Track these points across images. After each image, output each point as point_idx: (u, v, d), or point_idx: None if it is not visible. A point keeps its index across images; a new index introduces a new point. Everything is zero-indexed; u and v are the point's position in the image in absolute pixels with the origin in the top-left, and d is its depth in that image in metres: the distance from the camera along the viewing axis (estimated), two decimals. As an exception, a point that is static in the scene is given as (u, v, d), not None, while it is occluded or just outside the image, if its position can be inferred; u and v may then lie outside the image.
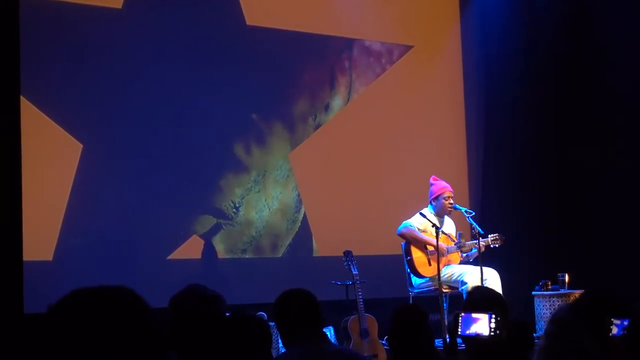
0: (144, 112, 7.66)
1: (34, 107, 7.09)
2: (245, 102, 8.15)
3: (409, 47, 9.10)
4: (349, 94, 8.77)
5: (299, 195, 8.42)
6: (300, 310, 3.46)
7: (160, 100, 7.71)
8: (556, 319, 2.94)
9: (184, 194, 7.81)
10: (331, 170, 8.60)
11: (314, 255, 8.34)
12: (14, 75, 6.20)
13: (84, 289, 1.51)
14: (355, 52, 8.79)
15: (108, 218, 7.41)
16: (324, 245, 8.30)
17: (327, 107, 8.64)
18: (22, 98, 6.70)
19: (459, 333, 2.84)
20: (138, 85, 7.63)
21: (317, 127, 8.57)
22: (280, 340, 7.10)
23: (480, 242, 7.25)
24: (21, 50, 6.32)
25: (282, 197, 8.34)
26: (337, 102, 8.70)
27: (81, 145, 7.34)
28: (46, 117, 7.19)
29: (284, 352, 3.44)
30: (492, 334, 2.74)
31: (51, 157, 7.22)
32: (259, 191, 8.22)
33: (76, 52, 7.34)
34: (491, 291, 3.67)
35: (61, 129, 7.25)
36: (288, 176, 8.39)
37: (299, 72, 8.47)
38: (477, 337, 2.78)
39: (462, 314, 2.83)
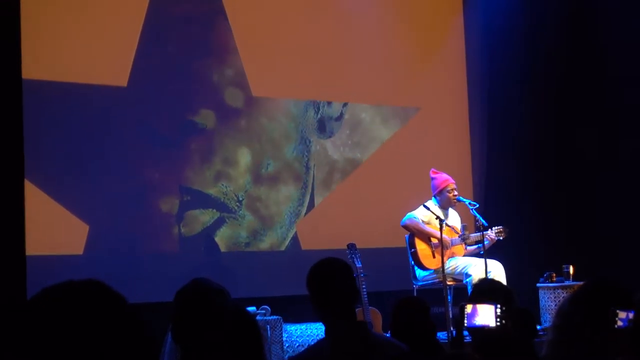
0: (148, 186, 7.69)
1: (38, 190, 7.07)
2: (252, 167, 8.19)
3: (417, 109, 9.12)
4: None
5: (302, 187, 8.44)
6: (333, 286, 3.27)
7: (166, 174, 7.78)
8: (562, 312, 2.94)
9: (188, 190, 7.84)
10: (335, 162, 8.63)
11: (317, 248, 8.33)
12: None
13: (53, 289, 1.47)
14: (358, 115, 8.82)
15: (119, 223, 7.47)
16: (327, 238, 8.29)
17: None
18: (26, 181, 6.70)
19: (465, 325, 2.84)
20: (145, 164, 7.66)
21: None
22: (283, 335, 7.15)
23: (490, 236, 7.25)
24: (25, 132, 6.30)
25: (285, 191, 8.35)
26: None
27: (87, 227, 7.33)
28: (51, 199, 7.16)
29: (319, 340, 3.37)
30: (498, 324, 2.75)
31: (57, 239, 7.18)
32: (262, 185, 8.23)
33: (80, 133, 7.33)
34: (498, 283, 3.67)
35: (66, 211, 7.22)
36: (291, 170, 8.40)
37: (302, 135, 8.51)
38: (483, 328, 2.79)
39: (468, 306, 2.84)
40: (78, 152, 7.33)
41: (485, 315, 2.79)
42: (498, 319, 2.76)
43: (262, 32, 8.31)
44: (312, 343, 3.45)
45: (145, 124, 7.67)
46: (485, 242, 7.24)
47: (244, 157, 8.18)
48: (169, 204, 7.75)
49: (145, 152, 7.70)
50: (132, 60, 7.59)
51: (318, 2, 8.72)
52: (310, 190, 8.49)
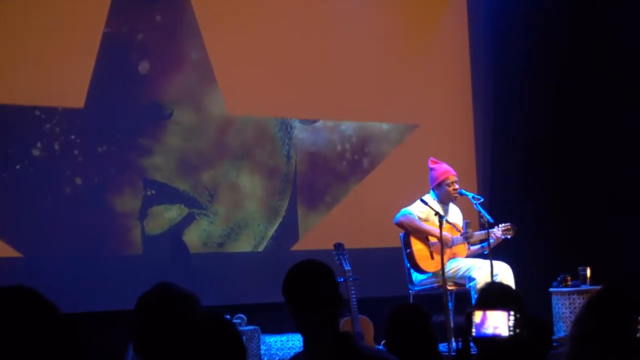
0: (106, 180, 7.66)
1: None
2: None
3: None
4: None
5: (283, 180, 8.40)
6: (312, 291, 3.19)
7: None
8: (578, 320, 2.91)
9: (153, 183, 7.79)
10: (320, 151, 8.60)
11: (299, 249, 8.30)
12: None
13: None
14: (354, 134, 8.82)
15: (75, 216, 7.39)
16: (311, 238, 8.29)
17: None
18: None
19: (473, 335, 2.79)
20: (102, 155, 7.62)
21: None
22: (261, 347, 7.10)
23: (495, 234, 7.22)
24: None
25: (263, 183, 8.30)
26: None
27: (21, 256, 7.25)
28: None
29: (296, 354, 3.33)
30: (511, 333, 2.70)
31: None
32: (237, 176, 8.18)
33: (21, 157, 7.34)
34: (507, 287, 3.63)
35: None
36: (269, 159, 8.36)
37: (282, 119, 8.48)
38: (494, 338, 2.74)
39: (477, 313, 2.78)
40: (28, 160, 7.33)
41: (497, 323, 2.73)
42: (511, 328, 2.70)
43: (240, 42, 8.25)
44: (287, 358, 3.40)
45: (107, 151, 7.67)
46: (491, 241, 7.20)
47: (216, 147, 8.12)
48: (130, 200, 7.68)
49: (104, 142, 7.64)
50: (89, 80, 7.55)
51: (306, 14, 8.67)
52: (291, 183, 8.44)
